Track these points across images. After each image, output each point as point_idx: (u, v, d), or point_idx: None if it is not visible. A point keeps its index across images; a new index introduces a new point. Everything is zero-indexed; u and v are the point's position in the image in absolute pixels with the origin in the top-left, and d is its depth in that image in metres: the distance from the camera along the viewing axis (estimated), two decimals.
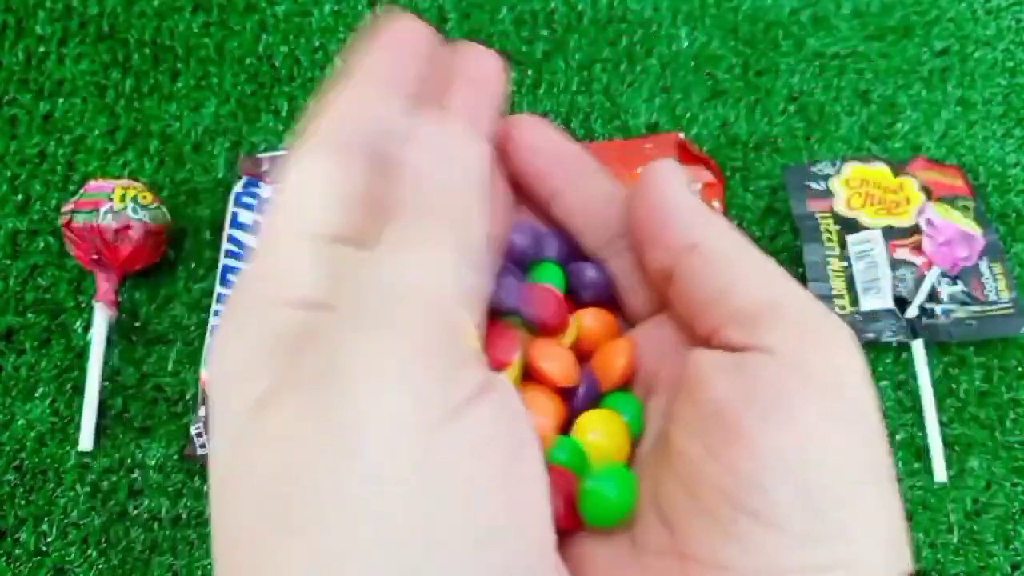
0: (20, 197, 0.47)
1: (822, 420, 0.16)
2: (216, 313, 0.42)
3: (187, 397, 0.42)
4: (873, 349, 0.44)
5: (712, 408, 0.16)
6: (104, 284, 0.43)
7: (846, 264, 0.45)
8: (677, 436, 0.17)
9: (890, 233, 0.45)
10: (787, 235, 0.47)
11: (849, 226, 0.46)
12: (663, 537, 0.16)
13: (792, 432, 0.16)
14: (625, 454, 0.18)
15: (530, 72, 0.52)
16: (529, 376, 0.19)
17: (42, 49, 0.52)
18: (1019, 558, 0.40)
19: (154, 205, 0.44)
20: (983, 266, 0.45)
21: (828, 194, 0.47)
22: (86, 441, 0.41)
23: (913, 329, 0.43)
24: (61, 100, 0.50)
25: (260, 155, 0.47)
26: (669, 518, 0.17)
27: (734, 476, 0.16)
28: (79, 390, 0.42)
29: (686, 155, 0.48)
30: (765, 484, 0.15)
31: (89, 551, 0.39)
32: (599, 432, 0.18)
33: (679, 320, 0.19)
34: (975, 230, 0.46)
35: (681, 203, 0.18)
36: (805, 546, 0.15)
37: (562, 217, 0.21)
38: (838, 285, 0.44)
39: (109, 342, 0.43)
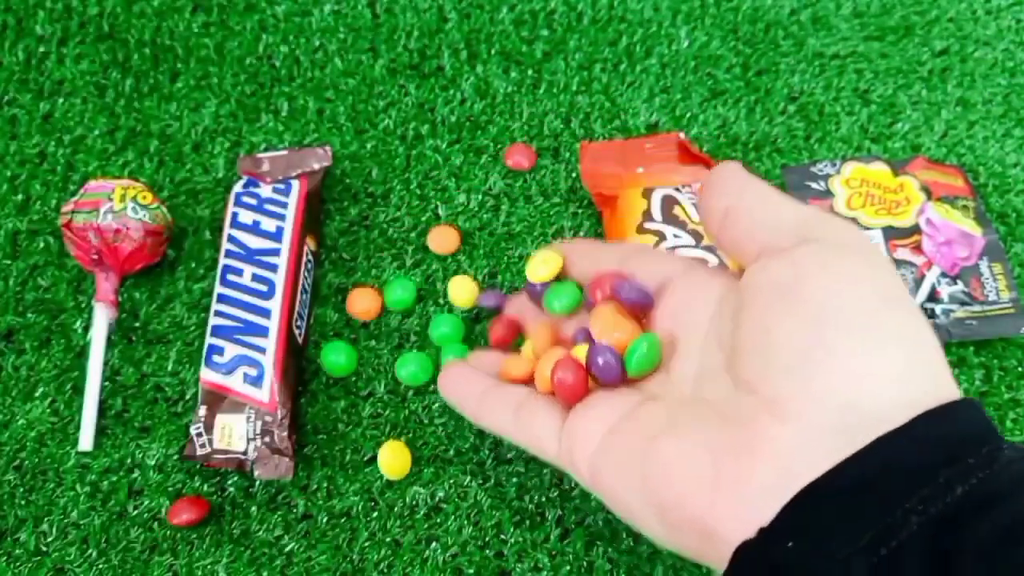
0: (20, 197, 0.47)
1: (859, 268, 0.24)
2: (216, 313, 0.42)
3: (187, 397, 0.42)
4: None
5: (775, 282, 0.25)
6: (104, 284, 0.43)
7: None
8: (744, 318, 0.25)
9: (890, 233, 0.45)
10: None
11: None
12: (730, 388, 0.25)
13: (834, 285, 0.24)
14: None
15: (530, 72, 0.52)
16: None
17: (42, 49, 0.52)
18: None
19: (154, 205, 0.44)
20: (983, 266, 0.45)
21: (828, 194, 0.47)
22: (86, 441, 0.41)
23: None
24: (61, 100, 0.50)
25: (260, 155, 0.47)
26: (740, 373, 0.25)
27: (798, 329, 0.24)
28: (79, 390, 0.42)
29: (686, 155, 0.48)
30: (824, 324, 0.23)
31: (89, 551, 0.39)
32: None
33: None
34: (975, 230, 0.46)
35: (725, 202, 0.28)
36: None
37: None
38: None
39: (109, 342, 0.43)
